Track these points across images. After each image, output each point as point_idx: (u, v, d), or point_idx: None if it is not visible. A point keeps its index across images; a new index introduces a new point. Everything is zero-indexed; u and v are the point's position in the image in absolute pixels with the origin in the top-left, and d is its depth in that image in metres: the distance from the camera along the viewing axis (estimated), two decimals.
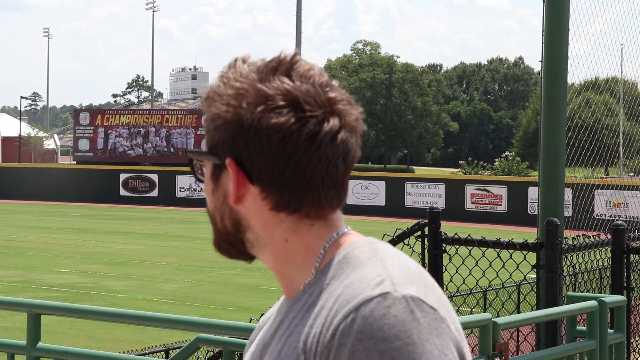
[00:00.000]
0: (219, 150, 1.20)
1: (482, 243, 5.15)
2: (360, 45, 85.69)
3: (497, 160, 47.87)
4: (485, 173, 45.39)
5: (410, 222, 5.12)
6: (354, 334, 1.09)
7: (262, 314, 1.39)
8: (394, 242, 5.07)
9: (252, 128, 1.18)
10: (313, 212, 1.20)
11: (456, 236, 5.16)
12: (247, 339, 3.90)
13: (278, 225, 1.20)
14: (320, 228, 1.21)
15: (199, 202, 40.06)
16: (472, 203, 34.71)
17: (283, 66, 1.20)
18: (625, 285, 5.15)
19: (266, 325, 1.28)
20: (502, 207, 34.14)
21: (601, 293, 5.53)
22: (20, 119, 69.01)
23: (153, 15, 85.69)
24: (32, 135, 66.39)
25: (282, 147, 1.17)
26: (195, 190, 40.73)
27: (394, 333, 1.08)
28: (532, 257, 5.04)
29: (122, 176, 41.84)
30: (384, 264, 1.15)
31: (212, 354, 5.46)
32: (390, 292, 1.10)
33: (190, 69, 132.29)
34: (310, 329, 1.14)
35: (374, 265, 1.15)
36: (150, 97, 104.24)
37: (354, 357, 1.08)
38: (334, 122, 1.18)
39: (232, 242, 1.24)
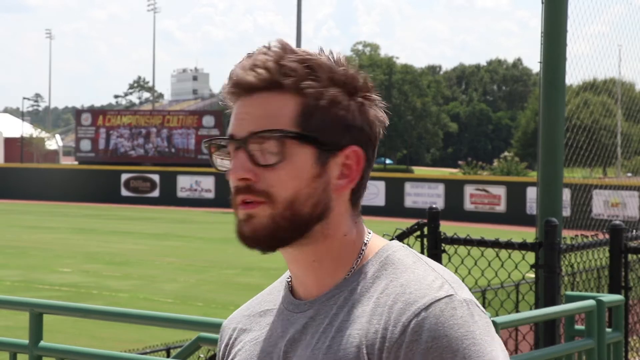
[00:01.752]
0: (338, 136, 1.19)
1: (481, 243, 5.17)
2: (360, 47, 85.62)
3: (496, 160, 47.87)
4: (484, 173, 45.38)
5: (409, 222, 5.14)
6: (427, 332, 1.11)
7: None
8: None
9: (370, 120, 1.21)
10: (359, 208, 1.25)
11: (455, 236, 5.19)
12: None
13: (346, 218, 1.22)
14: (361, 225, 1.25)
15: (200, 203, 40.08)
16: (471, 203, 34.71)
17: (346, 61, 1.25)
18: (623, 284, 5.17)
19: (263, 321, 1.27)
20: (501, 207, 34.14)
21: (599, 292, 5.55)
22: (22, 120, 69.00)
23: (154, 16, 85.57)
24: (34, 135, 66.35)
25: (378, 140, 1.23)
26: (196, 190, 40.73)
27: (463, 333, 1.11)
28: (530, 256, 5.07)
29: (124, 176, 41.85)
30: (433, 268, 1.18)
31: (212, 353, 5.49)
32: (454, 295, 1.14)
33: (191, 70, 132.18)
34: (369, 325, 1.14)
35: (424, 268, 1.18)
36: (151, 98, 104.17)
37: (428, 354, 1.10)
38: None
39: (298, 230, 1.19)
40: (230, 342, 1.31)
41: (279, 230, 1.19)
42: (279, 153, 1.17)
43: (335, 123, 1.18)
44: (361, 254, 1.22)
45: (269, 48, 1.21)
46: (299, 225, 1.19)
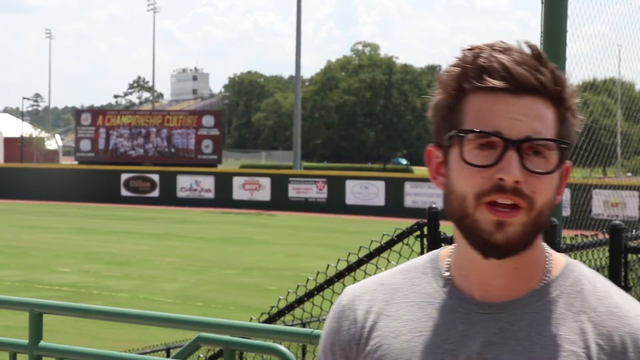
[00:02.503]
0: (569, 151, 1.20)
1: None
2: (359, 47, 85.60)
3: None
4: None
5: (409, 222, 5.13)
6: None
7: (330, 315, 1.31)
8: (393, 241, 5.10)
9: (574, 129, 1.23)
10: None
11: None
12: (248, 338, 3.85)
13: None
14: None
15: (200, 202, 40.08)
16: None
17: None
18: (623, 284, 5.18)
19: (419, 313, 1.24)
20: None
21: None
22: (22, 120, 68.99)
23: (154, 16, 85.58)
24: (34, 135, 66.35)
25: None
26: (195, 190, 40.73)
27: None
28: None
29: (124, 176, 41.85)
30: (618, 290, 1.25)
31: (212, 353, 5.49)
32: None
33: (191, 70, 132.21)
34: (583, 337, 1.18)
35: (617, 288, 1.24)
36: (151, 97, 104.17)
37: None
38: None
39: (535, 237, 1.20)
40: (368, 324, 1.27)
41: (526, 238, 1.18)
42: (554, 163, 1.17)
43: (572, 136, 1.21)
44: (549, 264, 1.24)
45: (519, 48, 1.20)
46: (536, 235, 1.19)
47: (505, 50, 1.19)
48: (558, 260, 1.25)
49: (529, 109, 1.17)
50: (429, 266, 1.29)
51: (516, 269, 1.21)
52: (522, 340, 1.18)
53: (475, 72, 1.18)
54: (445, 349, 1.20)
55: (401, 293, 1.28)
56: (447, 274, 1.26)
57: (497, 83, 1.16)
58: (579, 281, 1.23)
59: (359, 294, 1.30)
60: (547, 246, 1.26)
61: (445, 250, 1.30)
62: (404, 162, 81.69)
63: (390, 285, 1.29)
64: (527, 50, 1.19)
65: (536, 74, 1.17)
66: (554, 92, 1.18)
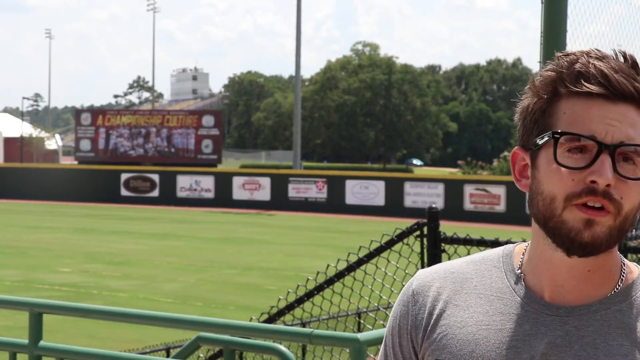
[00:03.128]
0: None
1: (481, 242, 5.18)
2: (359, 46, 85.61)
3: (495, 160, 47.85)
4: (484, 173, 45.38)
5: (409, 222, 5.14)
6: None
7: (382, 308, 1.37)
8: (393, 241, 5.10)
9: None
10: None
11: (455, 236, 5.19)
12: (248, 338, 3.85)
13: None
14: None
15: (199, 202, 40.09)
16: (470, 203, 34.72)
17: None
18: None
19: (487, 307, 1.26)
20: (501, 207, 34.15)
21: None
22: (22, 120, 68.99)
23: (154, 16, 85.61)
24: (34, 135, 66.35)
25: None
26: (195, 190, 40.75)
27: None
28: None
29: (123, 176, 41.85)
30: None
31: (212, 352, 5.49)
32: None
33: (190, 70, 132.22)
34: None
35: None
36: (151, 97, 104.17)
37: None
38: None
39: (618, 241, 1.22)
40: (436, 312, 1.29)
41: (611, 241, 1.19)
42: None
43: None
44: (624, 272, 1.25)
45: (615, 56, 1.22)
46: (619, 240, 1.21)
47: (602, 57, 1.21)
48: (633, 269, 1.26)
49: (623, 116, 1.19)
50: (502, 261, 1.30)
51: (590, 272, 1.23)
52: (587, 347, 1.19)
53: (572, 77, 1.21)
54: (510, 346, 1.22)
55: (471, 284, 1.30)
56: (520, 271, 1.28)
57: (594, 88, 1.19)
58: None
59: (429, 280, 1.32)
60: (621, 255, 1.27)
61: (519, 247, 1.32)
62: (419, 163, 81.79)
63: (461, 274, 1.31)
64: (622, 59, 1.22)
65: (633, 82, 1.19)
66: None
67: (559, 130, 1.20)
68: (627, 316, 1.21)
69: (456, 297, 1.29)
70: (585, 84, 1.19)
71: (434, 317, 1.29)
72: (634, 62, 1.21)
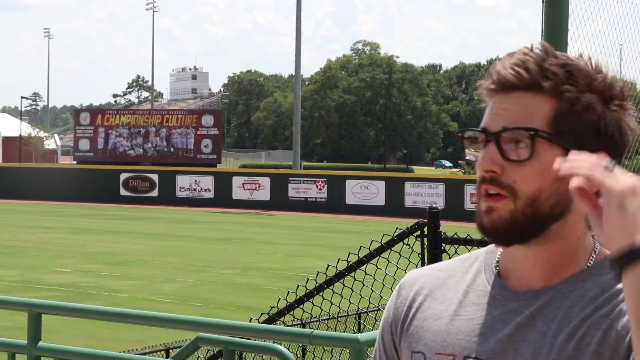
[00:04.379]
0: (587, 141, 1.22)
1: (482, 243, 5.16)
2: (359, 46, 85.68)
3: None
4: None
5: (409, 222, 5.12)
6: None
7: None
8: (393, 241, 5.08)
9: (622, 129, 1.24)
10: None
11: (456, 236, 5.17)
12: (247, 339, 3.83)
13: (580, 221, 1.25)
14: (590, 233, 1.27)
15: (199, 202, 40.09)
16: (471, 203, 34.73)
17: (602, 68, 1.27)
18: None
19: (463, 300, 1.30)
20: None
21: None
22: (20, 119, 69.01)
23: (153, 15, 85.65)
24: (33, 135, 66.39)
25: (627, 149, 1.26)
26: (195, 190, 40.75)
27: None
28: None
29: (123, 176, 41.86)
30: None
31: (212, 353, 5.48)
32: None
33: (190, 69, 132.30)
34: (617, 325, 1.18)
35: None
36: (150, 97, 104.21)
37: None
38: None
39: (536, 228, 1.23)
40: (415, 305, 1.35)
41: (516, 226, 1.22)
42: (529, 150, 1.21)
43: (587, 128, 1.22)
44: (592, 257, 1.26)
45: (531, 49, 1.25)
46: (537, 224, 1.23)
47: (511, 54, 1.26)
48: (603, 253, 1.27)
49: (512, 104, 1.23)
50: (485, 256, 1.35)
51: (547, 260, 1.26)
52: (549, 321, 1.23)
53: (485, 78, 1.28)
54: (479, 333, 1.26)
55: (454, 279, 1.35)
56: (497, 264, 1.32)
57: (488, 85, 1.26)
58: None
59: (416, 277, 1.39)
60: (599, 244, 1.28)
61: None
62: (448, 164, 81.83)
63: (447, 272, 1.37)
64: (538, 50, 1.25)
65: (512, 71, 1.23)
66: (543, 86, 1.22)
67: (462, 129, 1.29)
68: (590, 292, 1.23)
69: (436, 292, 1.34)
70: (486, 82, 1.26)
71: (412, 310, 1.34)
72: (543, 49, 1.24)
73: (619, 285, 1.20)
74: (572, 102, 1.22)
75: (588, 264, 1.26)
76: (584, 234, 1.26)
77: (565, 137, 1.22)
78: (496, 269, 1.32)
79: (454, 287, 1.33)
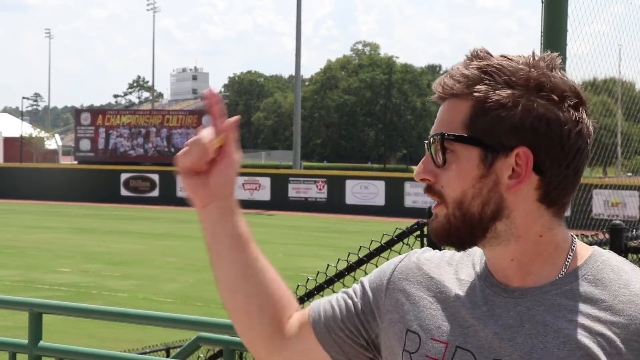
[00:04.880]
0: (503, 137, 1.22)
1: None
2: (359, 46, 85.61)
3: None
4: None
5: (409, 222, 5.13)
6: None
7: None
8: (393, 241, 5.09)
9: (548, 120, 1.22)
10: (562, 212, 1.27)
11: None
12: None
13: (538, 219, 1.25)
14: (565, 230, 1.28)
15: None
16: None
17: (552, 63, 1.25)
18: None
19: (451, 290, 1.32)
20: None
21: None
22: (21, 119, 68.99)
23: (154, 15, 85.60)
24: (34, 135, 66.36)
25: (575, 140, 1.23)
26: None
27: None
28: None
29: (123, 176, 41.85)
30: None
31: (212, 352, 5.48)
32: None
33: (190, 70, 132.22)
34: (603, 327, 1.19)
35: None
36: (151, 97, 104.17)
37: None
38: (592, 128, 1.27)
39: (473, 229, 1.25)
40: (412, 287, 1.37)
41: (453, 230, 1.26)
42: (445, 155, 1.25)
43: (500, 125, 1.22)
44: (570, 255, 1.26)
45: (473, 57, 1.29)
46: (472, 225, 1.24)
47: (457, 64, 1.30)
48: (583, 251, 1.28)
49: (442, 112, 1.27)
50: (478, 251, 1.36)
51: (514, 261, 1.27)
52: (537, 325, 1.23)
53: None
54: (470, 324, 1.27)
55: (452, 270, 1.36)
56: (486, 259, 1.34)
57: (432, 97, 1.31)
58: (601, 270, 1.25)
59: (424, 260, 1.40)
60: (573, 239, 1.29)
61: None
62: None
63: (449, 260, 1.39)
64: (469, 56, 1.30)
65: (442, 80, 1.28)
66: (459, 91, 1.25)
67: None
68: (578, 294, 1.23)
69: (436, 276, 1.36)
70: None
71: (407, 291, 1.36)
72: (469, 55, 1.28)
73: (604, 290, 1.22)
74: (482, 101, 1.22)
75: (566, 262, 1.26)
76: (548, 230, 1.25)
77: (481, 137, 1.22)
78: (486, 264, 1.33)
79: (451, 278, 1.34)
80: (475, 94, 1.23)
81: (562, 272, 1.25)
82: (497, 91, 1.22)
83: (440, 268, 1.37)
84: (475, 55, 1.27)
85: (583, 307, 1.22)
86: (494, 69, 1.23)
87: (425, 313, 1.32)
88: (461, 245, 1.27)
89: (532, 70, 1.22)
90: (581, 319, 1.21)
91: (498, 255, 1.27)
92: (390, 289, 1.39)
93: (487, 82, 1.23)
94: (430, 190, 1.27)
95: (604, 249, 1.32)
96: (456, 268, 1.36)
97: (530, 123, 1.21)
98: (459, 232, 1.25)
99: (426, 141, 1.28)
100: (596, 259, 1.27)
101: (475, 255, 1.36)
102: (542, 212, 1.25)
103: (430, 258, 1.40)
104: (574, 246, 1.28)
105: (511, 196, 1.23)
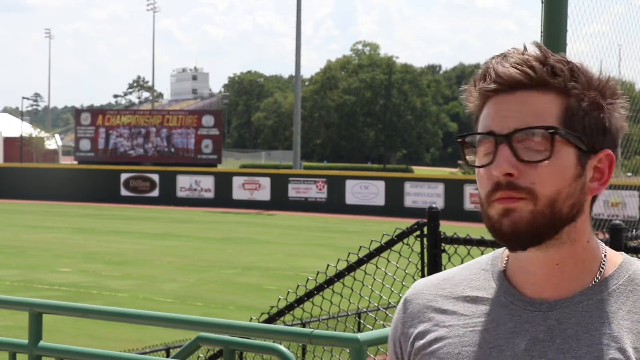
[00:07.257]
0: (595, 139, 1.21)
1: (481, 242, 5.17)
2: (359, 46, 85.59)
3: None
4: None
5: (409, 222, 5.13)
6: None
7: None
8: (393, 241, 5.09)
9: (619, 125, 1.24)
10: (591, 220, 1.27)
11: (455, 236, 5.18)
12: (248, 338, 3.85)
13: (589, 223, 1.24)
14: (596, 237, 1.26)
15: (199, 202, 40.08)
16: (470, 203, 34.71)
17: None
18: None
19: (475, 309, 1.26)
20: None
21: None
22: (22, 120, 68.98)
23: (154, 15, 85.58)
24: (34, 135, 66.33)
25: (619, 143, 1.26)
26: (195, 190, 40.73)
27: None
28: None
29: (123, 176, 41.85)
30: None
31: (212, 352, 5.49)
32: None
33: (190, 70, 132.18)
34: (635, 338, 1.17)
35: None
36: (151, 97, 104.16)
37: None
38: None
39: (554, 229, 1.19)
40: (425, 319, 1.30)
41: (537, 227, 1.18)
42: (546, 150, 1.17)
43: (594, 126, 1.20)
44: (604, 263, 1.24)
45: (525, 48, 1.22)
46: (555, 225, 1.19)
47: (504, 54, 1.22)
48: (614, 258, 1.25)
49: (520, 104, 1.19)
50: (490, 263, 1.31)
51: (558, 265, 1.22)
52: (569, 339, 1.19)
53: (477, 80, 1.24)
54: (494, 345, 1.22)
55: (459, 288, 1.30)
56: (504, 271, 1.28)
57: (487, 86, 1.21)
58: (633, 280, 1.22)
59: (421, 289, 1.34)
60: (603, 245, 1.26)
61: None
62: None
63: (452, 281, 1.32)
64: (532, 49, 1.22)
65: (524, 69, 1.19)
66: (551, 84, 1.19)
67: (460, 134, 1.23)
68: (609, 305, 1.20)
69: (445, 303, 1.29)
70: (482, 84, 1.22)
71: (422, 324, 1.29)
72: (538, 48, 1.22)
73: (636, 302, 1.20)
74: (580, 99, 1.20)
75: (600, 269, 1.23)
76: (591, 235, 1.24)
77: (579, 135, 1.19)
78: (505, 276, 1.27)
79: (461, 297, 1.29)
80: (574, 91, 1.19)
81: (594, 280, 1.22)
82: (588, 91, 1.21)
83: (448, 292, 1.30)
84: (544, 50, 1.22)
85: (615, 319, 1.19)
86: (576, 68, 1.21)
87: (444, 345, 1.25)
88: (530, 244, 1.19)
89: (602, 75, 1.23)
90: (614, 332, 1.18)
91: (541, 259, 1.21)
92: (410, 345, 1.32)
93: (577, 80, 1.20)
94: (512, 186, 1.17)
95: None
96: (467, 287, 1.30)
97: (615, 128, 1.23)
98: (541, 230, 1.18)
99: (501, 133, 1.18)
100: (628, 268, 1.24)
101: (482, 270, 1.31)
102: (589, 218, 1.24)
103: (429, 286, 1.33)
104: (605, 252, 1.25)
105: (587, 199, 1.22)
